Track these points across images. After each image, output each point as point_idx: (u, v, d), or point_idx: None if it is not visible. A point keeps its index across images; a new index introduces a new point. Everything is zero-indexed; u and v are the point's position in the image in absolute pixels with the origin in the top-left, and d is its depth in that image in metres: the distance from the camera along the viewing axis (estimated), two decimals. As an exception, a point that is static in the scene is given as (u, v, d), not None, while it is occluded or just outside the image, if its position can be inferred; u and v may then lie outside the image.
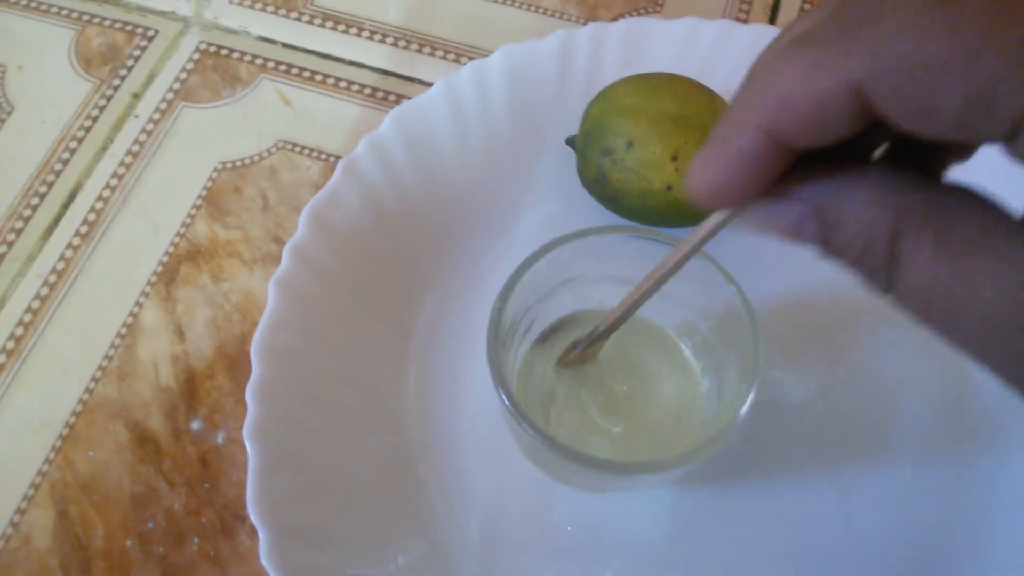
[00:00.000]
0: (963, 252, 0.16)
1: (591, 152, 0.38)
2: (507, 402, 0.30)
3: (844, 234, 0.18)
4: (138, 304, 0.42)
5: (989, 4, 0.15)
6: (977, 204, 0.17)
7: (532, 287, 0.33)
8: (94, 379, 0.40)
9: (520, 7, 0.50)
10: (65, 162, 0.46)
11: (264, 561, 0.32)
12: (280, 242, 0.43)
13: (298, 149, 0.46)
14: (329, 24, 0.50)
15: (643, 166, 0.36)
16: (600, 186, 0.38)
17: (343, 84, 0.48)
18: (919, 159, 0.20)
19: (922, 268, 0.16)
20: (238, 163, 0.45)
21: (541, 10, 0.50)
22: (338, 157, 0.45)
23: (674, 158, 0.36)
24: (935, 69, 0.15)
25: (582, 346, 0.33)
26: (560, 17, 0.50)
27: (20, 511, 0.37)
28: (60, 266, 0.43)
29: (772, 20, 0.49)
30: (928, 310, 0.17)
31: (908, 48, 0.15)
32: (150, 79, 0.48)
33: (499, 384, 0.30)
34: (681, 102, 0.37)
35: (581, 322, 0.37)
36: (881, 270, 0.17)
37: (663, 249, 0.33)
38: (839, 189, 0.18)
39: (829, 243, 0.18)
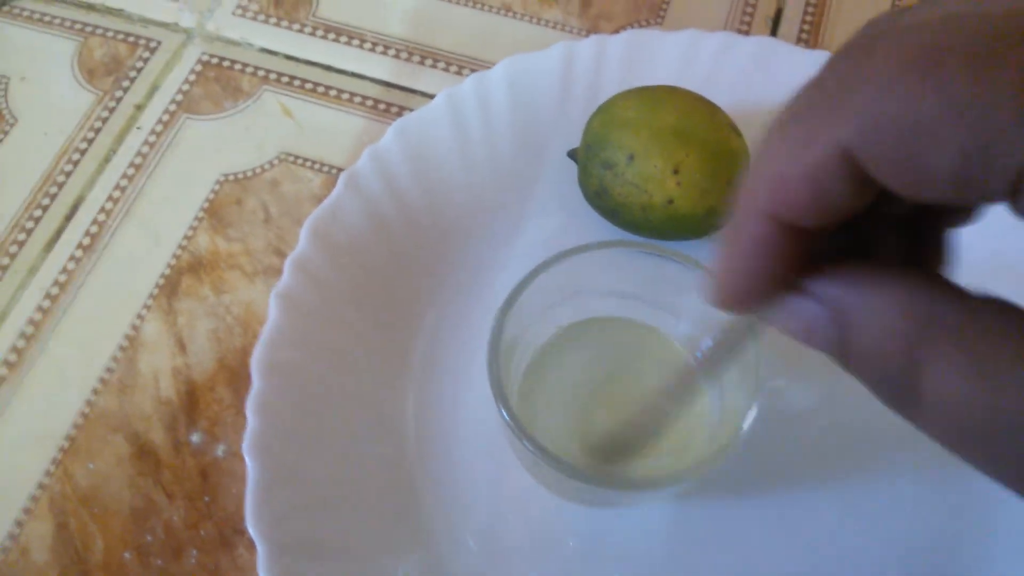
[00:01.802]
0: (1001, 366, 0.15)
1: (592, 165, 0.38)
2: (507, 417, 0.30)
3: (862, 341, 0.17)
4: (139, 316, 0.42)
5: (973, 54, 0.14)
6: (1010, 316, 0.15)
7: (533, 302, 0.33)
8: (95, 391, 0.40)
9: (522, 19, 0.50)
10: (68, 174, 0.46)
11: (262, 575, 0.32)
12: (282, 255, 0.43)
13: (300, 161, 0.46)
14: (331, 36, 0.50)
15: (644, 180, 0.36)
16: (601, 199, 0.38)
17: (345, 96, 0.48)
18: (927, 231, 0.19)
19: (951, 384, 0.15)
20: (240, 175, 0.45)
21: (543, 22, 0.50)
22: (340, 169, 0.45)
23: (675, 171, 0.36)
24: (925, 126, 0.14)
25: (604, 456, 0.32)
26: (562, 29, 0.50)
27: (19, 523, 0.37)
28: (62, 278, 0.43)
29: (774, 32, 0.49)
30: (956, 430, 0.16)
31: (894, 108, 0.14)
32: (152, 91, 0.48)
33: (499, 399, 0.30)
34: (682, 115, 0.37)
35: (582, 333, 0.37)
36: (900, 385, 0.16)
37: (664, 264, 0.33)
38: (859, 289, 0.17)
39: (846, 351, 0.17)
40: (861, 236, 0.19)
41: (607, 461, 0.32)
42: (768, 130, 0.17)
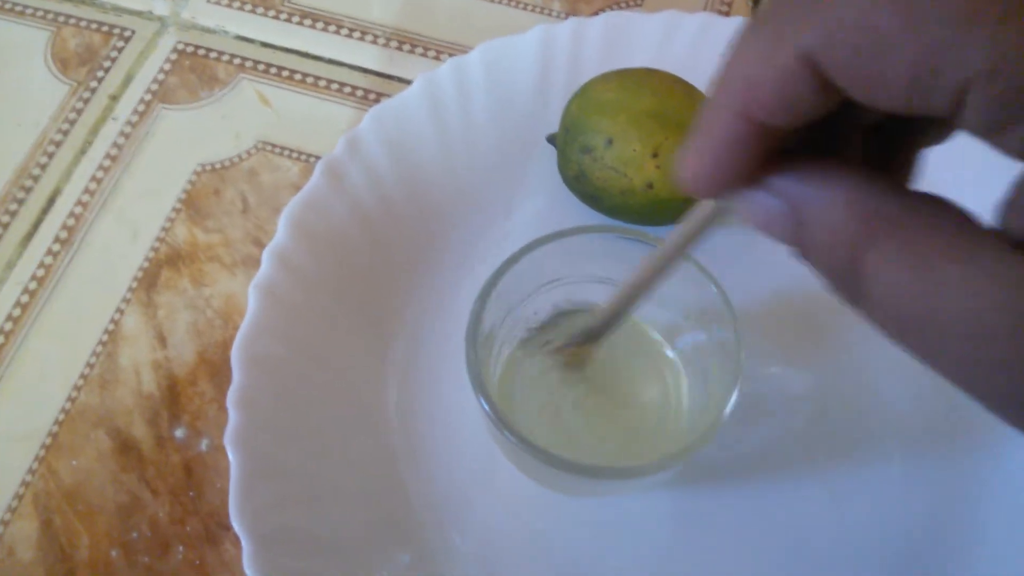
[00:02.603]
0: (933, 261, 0.16)
1: (571, 150, 0.38)
2: (487, 407, 0.30)
3: (813, 235, 0.18)
4: (119, 310, 0.41)
5: None
6: (949, 214, 0.16)
7: (512, 289, 0.33)
8: (76, 387, 0.40)
9: (502, 3, 0.50)
10: (43, 167, 0.45)
11: (247, 569, 0.32)
12: (261, 245, 0.42)
13: (278, 150, 0.45)
14: (308, 22, 0.49)
15: (623, 163, 0.36)
16: (581, 184, 0.38)
17: (323, 83, 0.47)
18: (897, 144, 0.20)
19: (890, 277, 0.16)
20: (217, 165, 0.45)
21: (523, 6, 0.50)
22: (318, 158, 0.44)
23: (654, 155, 0.36)
24: (882, 37, 0.15)
25: (572, 344, 0.32)
26: (543, 12, 0.50)
27: (3, 522, 0.37)
28: (40, 273, 0.42)
29: (754, 12, 0.49)
30: (897, 322, 0.16)
31: (855, 16, 0.15)
32: (128, 80, 0.48)
33: (478, 389, 0.30)
34: (661, 98, 0.37)
35: (565, 322, 0.36)
36: (847, 278, 0.17)
37: (645, 249, 0.32)
38: (812, 185, 0.18)
39: (800, 244, 0.18)
40: (831, 139, 0.19)
41: (578, 350, 0.32)
42: (740, 31, 0.18)
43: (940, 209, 0.16)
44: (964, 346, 0.15)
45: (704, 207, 0.22)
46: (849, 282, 0.17)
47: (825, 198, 0.17)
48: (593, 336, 0.31)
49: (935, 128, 0.20)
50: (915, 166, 0.21)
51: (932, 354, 0.16)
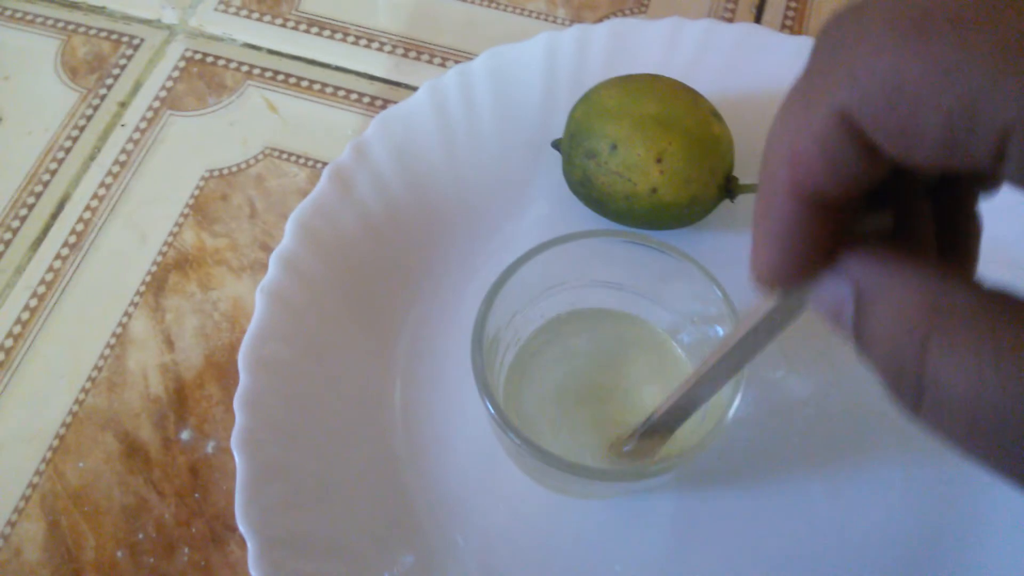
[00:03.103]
0: (1006, 356, 0.14)
1: (576, 155, 0.38)
2: (492, 410, 0.30)
3: (874, 321, 0.17)
4: (127, 314, 0.42)
5: (958, 17, 0.14)
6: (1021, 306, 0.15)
7: (518, 293, 0.33)
8: (84, 390, 0.40)
9: (507, 11, 0.50)
10: (53, 173, 0.46)
11: (252, 571, 0.32)
12: (268, 250, 0.42)
13: (285, 156, 0.46)
14: (315, 30, 0.50)
15: (627, 168, 0.36)
16: (585, 189, 0.38)
17: (329, 90, 0.48)
18: (956, 200, 0.19)
19: (956, 373, 0.15)
20: (225, 171, 0.45)
21: (528, 13, 0.50)
22: (325, 163, 0.45)
23: (659, 160, 0.36)
24: (912, 87, 0.14)
25: (638, 437, 0.31)
26: (547, 19, 0.50)
27: (10, 523, 0.37)
28: (49, 277, 0.43)
29: (758, 19, 0.49)
30: (961, 425, 0.15)
31: (884, 68, 0.15)
32: (136, 88, 0.48)
33: (484, 392, 0.30)
34: (665, 103, 0.37)
35: (569, 325, 0.37)
36: (908, 376, 0.16)
37: (649, 253, 0.33)
38: (880, 264, 0.17)
39: (860, 332, 0.17)
40: (897, 213, 0.19)
41: (640, 449, 0.31)
42: (779, 107, 0.17)
43: (1010, 303, 0.15)
44: None
45: (774, 297, 0.21)
46: (909, 381, 0.16)
47: (891, 279, 0.17)
48: (656, 430, 0.30)
49: (982, 181, 0.19)
50: (978, 220, 0.19)
51: (995, 456, 0.15)
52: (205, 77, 0.49)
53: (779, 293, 0.20)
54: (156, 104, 0.48)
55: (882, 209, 0.18)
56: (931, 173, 0.17)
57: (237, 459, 0.34)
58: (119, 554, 0.37)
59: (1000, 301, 0.15)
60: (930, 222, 0.19)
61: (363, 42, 0.49)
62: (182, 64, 0.49)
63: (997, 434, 0.14)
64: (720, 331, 0.32)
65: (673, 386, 0.35)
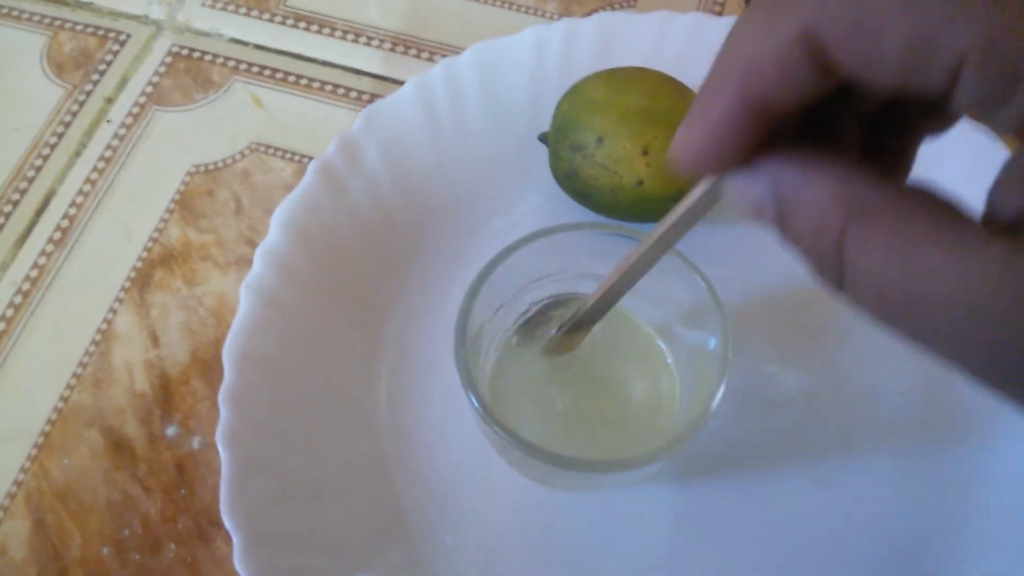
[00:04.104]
0: (917, 247, 0.16)
1: (562, 148, 0.38)
2: (475, 403, 0.30)
3: (796, 220, 0.18)
4: (112, 310, 0.41)
5: None
6: (935, 202, 0.16)
7: (502, 285, 0.33)
8: (69, 386, 0.40)
9: (496, 5, 0.50)
10: (38, 169, 0.46)
11: (238, 566, 0.32)
12: (254, 245, 0.42)
13: (271, 151, 0.45)
14: (302, 25, 0.50)
15: (613, 161, 0.36)
16: (572, 182, 0.38)
17: (316, 85, 0.48)
18: (894, 135, 0.20)
19: (871, 263, 0.16)
20: (211, 166, 0.45)
21: (518, 8, 0.50)
22: (311, 158, 0.45)
23: (645, 152, 0.36)
24: (878, 13, 0.15)
25: (562, 331, 0.32)
26: (537, 14, 0.50)
27: (-5, 521, 0.37)
28: (34, 274, 0.43)
29: (746, 12, 0.49)
30: (880, 306, 0.17)
31: None
32: (123, 83, 0.48)
33: (467, 385, 0.30)
34: (651, 96, 0.37)
35: (555, 311, 0.36)
36: (829, 263, 0.17)
37: (634, 246, 0.32)
38: (799, 169, 0.18)
39: (784, 228, 0.18)
40: (829, 132, 0.20)
41: (569, 337, 0.32)
42: (741, 12, 0.18)
43: (925, 198, 0.16)
44: (953, 328, 0.15)
45: (694, 193, 0.22)
46: (831, 268, 0.17)
47: (810, 183, 0.18)
48: (581, 324, 0.31)
49: (931, 117, 0.20)
50: (911, 160, 0.21)
51: (919, 336, 0.16)
52: (192, 72, 0.48)
53: (702, 183, 0.21)
54: (142, 100, 0.47)
55: (814, 130, 0.19)
56: (882, 95, 0.18)
57: (222, 455, 0.34)
58: (105, 551, 0.36)
59: (912, 196, 0.16)
60: (856, 144, 0.20)
61: (351, 37, 0.49)
62: (169, 60, 0.49)
63: (909, 316, 0.16)
64: (705, 323, 0.32)
65: (658, 378, 0.35)
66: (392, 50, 0.49)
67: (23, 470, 0.38)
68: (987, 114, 0.15)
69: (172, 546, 0.36)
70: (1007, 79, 0.14)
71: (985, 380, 0.16)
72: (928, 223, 0.16)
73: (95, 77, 0.48)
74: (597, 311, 0.30)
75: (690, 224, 0.23)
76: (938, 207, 0.16)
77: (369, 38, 0.49)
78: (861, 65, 0.16)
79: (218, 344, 0.40)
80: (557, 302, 0.35)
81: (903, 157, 0.21)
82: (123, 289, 0.42)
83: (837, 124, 0.20)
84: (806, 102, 0.18)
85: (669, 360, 0.35)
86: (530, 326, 0.35)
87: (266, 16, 0.50)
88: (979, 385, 0.16)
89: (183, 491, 0.37)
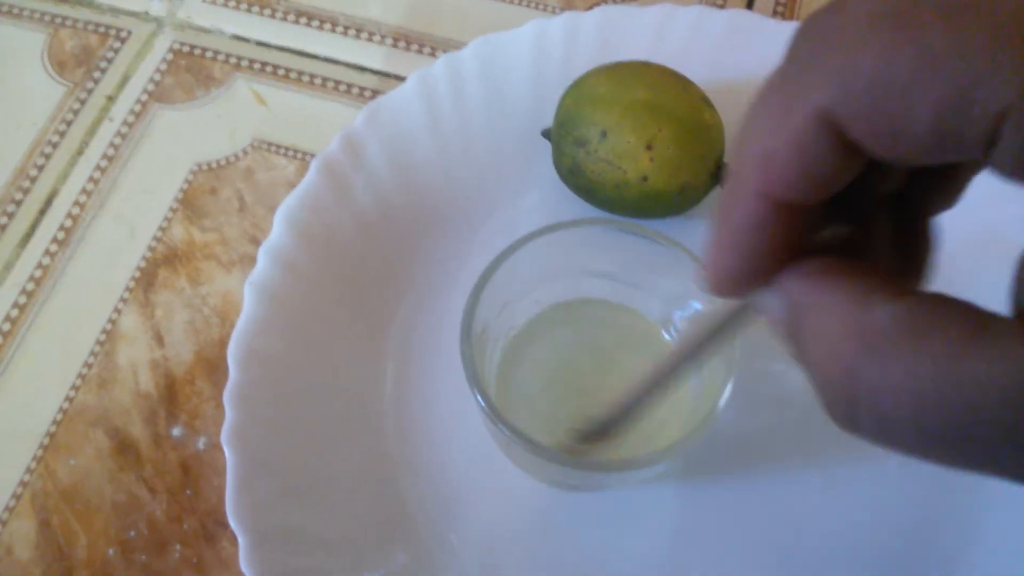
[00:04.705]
0: (953, 361, 0.14)
1: (565, 143, 0.37)
2: (481, 401, 0.30)
3: (805, 342, 0.17)
4: (116, 310, 0.41)
5: (946, 4, 0.14)
6: (956, 309, 0.15)
7: (508, 283, 0.33)
8: (74, 387, 0.40)
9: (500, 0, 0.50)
10: (40, 168, 0.45)
11: (244, 567, 0.32)
12: (258, 243, 0.42)
13: (274, 148, 0.45)
14: (303, 21, 0.49)
15: (617, 156, 0.36)
16: (575, 177, 0.38)
17: (318, 81, 0.47)
18: (913, 214, 0.19)
19: (892, 389, 0.15)
20: (213, 164, 0.45)
21: (518, 1, 0.50)
22: (314, 155, 0.44)
23: (648, 147, 0.36)
24: (901, 80, 0.14)
25: (584, 441, 0.30)
26: (540, 8, 0.50)
27: (1, 522, 0.37)
28: (38, 273, 0.42)
29: (750, 5, 0.48)
30: (919, 435, 0.15)
31: (869, 64, 0.14)
32: (124, 81, 0.48)
33: (473, 383, 0.30)
34: (654, 90, 0.36)
35: (560, 315, 0.36)
36: (839, 396, 0.16)
37: (639, 241, 0.32)
38: (812, 284, 0.17)
39: (796, 349, 0.17)
40: (853, 221, 0.18)
41: (586, 445, 0.31)
42: (751, 104, 0.17)
43: (949, 307, 0.15)
44: (1010, 436, 0.14)
45: (726, 309, 0.21)
46: (840, 403, 0.16)
47: (818, 304, 0.16)
48: (604, 432, 0.29)
49: (939, 191, 0.19)
50: (934, 235, 0.19)
51: (969, 454, 0.15)
52: (193, 70, 0.48)
53: (732, 301, 0.20)
54: (144, 97, 0.47)
55: (839, 220, 0.18)
56: (906, 168, 0.17)
57: (228, 454, 0.34)
58: (111, 552, 0.36)
59: (924, 309, 0.15)
60: (886, 232, 0.19)
61: (352, 33, 0.49)
62: (170, 57, 0.49)
63: (943, 435, 0.14)
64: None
65: (670, 381, 0.35)
66: (394, 46, 0.48)
67: (28, 470, 0.38)
68: None
69: (178, 547, 0.36)
70: None
71: None
72: (960, 332, 0.14)
73: (96, 75, 0.48)
74: (617, 425, 0.28)
75: (720, 338, 0.22)
76: (965, 312, 0.15)
77: (371, 34, 0.49)
78: (887, 139, 0.15)
79: (223, 343, 0.40)
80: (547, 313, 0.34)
81: (922, 241, 0.19)
82: (127, 289, 0.42)
83: (865, 221, 0.19)
84: (831, 191, 0.16)
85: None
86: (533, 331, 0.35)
87: (267, 12, 0.50)
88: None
89: (189, 491, 0.37)
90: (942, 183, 0.19)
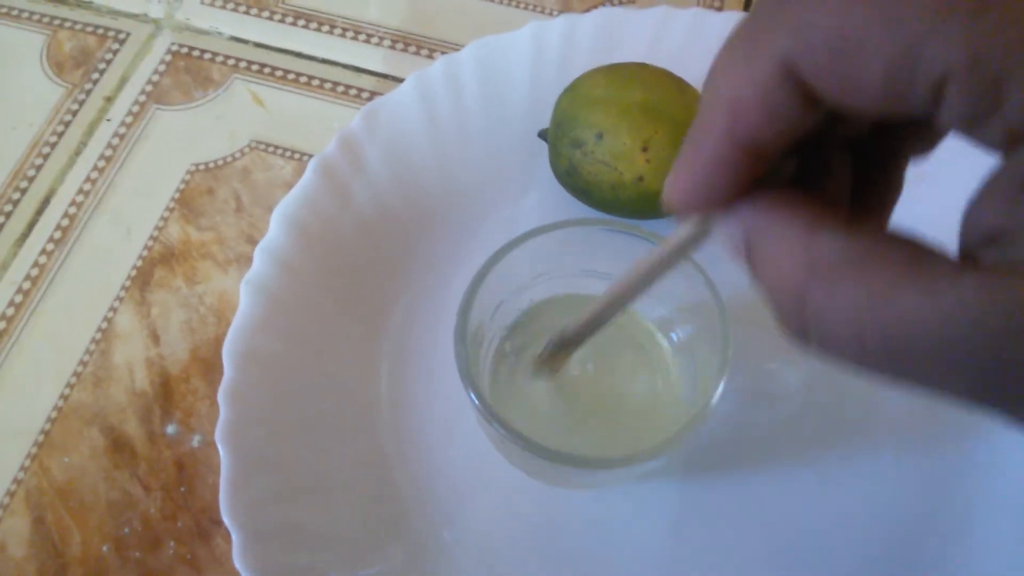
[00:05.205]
0: (890, 294, 0.15)
1: (562, 144, 0.38)
2: (475, 400, 0.30)
3: (759, 266, 0.18)
4: (112, 309, 0.41)
5: None
6: (904, 247, 0.16)
7: (503, 282, 0.33)
8: (69, 385, 0.40)
9: (496, 1, 0.50)
10: (38, 168, 0.45)
11: (238, 564, 0.32)
12: (254, 243, 0.42)
13: (271, 149, 0.45)
14: (301, 23, 0.50)
15: (613, 157, 0.36)
16: (572, 178, 0.38)
17: (316, 83, 0.47)
18: (883, 162, 0.20)
19: (843, 316, 0.16)
20: (211, 164, 0.45)
21: (518, 4, 0.50)
22: (311, 156, 0.45)
23: (644, 148, 0.36)
24: (856, 36, 0.15)
25: (549, 349, 0.31)
26: (537, 10, 0.50)
27: (-4, 520, 0.37)
28: (34, 272, 0.43)
29: (746, 8, 0.49)
30: (861, 356, 0.16)
31: (828, 17, 0.15)
32: (122, 82, 0.48)
33: (467, 382, 0.30)
34: (650, 92, 0.37)
35: (553, 311, 0.36)
36: (792, 316, 0.17)
37: (635, 242, 0.32)
38: (767, 213, 0.18)
39: (753, 273, 0.18)
40: (816, 162, 0.19)
41: (554, 357, 0.31)
42: (719, 50, 0.18)
43: (893, 243, 0.16)
44: (939, 364, 0.15)
45: (684, 229, 0.22)
46: (792, 319, 0.17)
47: (772, 231, 0.18)
48: (569, 343, 0.30)
49: (914, 138, 0.20)
50: (898, 186, 0.21)
51: (903, 376, 0.16)
52: (191, 71, 0.48)
53: (692, 221, 0.21)
54: (142, 98, 0.47)
55: (791, 156, 0.19)
56: (867, 120, 0.18)
57: (221, 452, 0.34)
58: (105, 549, 0.36)
59: (880, 243, 0.16)
60: (845, 174, 0.20)
61: (351, 35, 0.49)
62: (168, 58, 0.49)
63: (885, 354, 0.16)
64: (706, 320, 0.32)
65: (659, 375, 0.35)
66: (392, 47, 0.49)
67: (23, 468, 0.38)
68: (973, 129, 0.15)
69: (172, 544, 0.36)
70: (992, 92, 0.14)
71: (977, 404, 0.16)
72: (898, 268, 0.16)
73: (95, 76, 0.48)
74: (581, 335, 0.29)
75: (680, 257, 0.23)
76: (907, 249, 0.16)
77: (369, 36, 0.49)
78: (843, 92, 0.16)
79: (218, 342, 0.40)
80: (538, 311, 0.35)
81: (890, 184, 0.21)
82: (123, 288, 0.42)
83: (827, 155, 0.20)
84: (794, 135, 0.17)
85: (670, 356, 0.35)
86: (512, 339, 0.35)
87: (266, 14, 0.50)
88: (967, 407, 0.16)
89: (183, 489, 0.37)
90: (915, 131, 0.20)
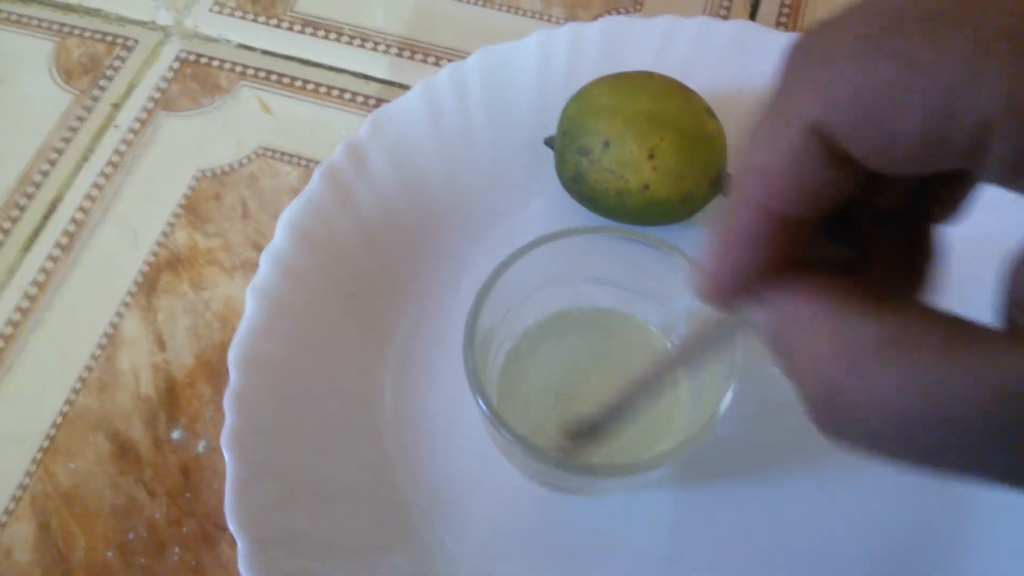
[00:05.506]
0: (934, 372, 0.14)
1: (568, 152, 0.38)
2: (483, 406, 0.30)
3: (789, 358, 0.17)
4: (118, 314, 0.41)
5: (929, 16, 0.14)
6: (938, 319, 0.15)
7: (511, 289, 0.33)
8: (75, 390, 0.40)
9: (502, 10, 0.50)
10: (45, 174, 0.46)
11: (243, 570, 0.32)
12: (260, 249, 0.42)
13: (278, 156, 0.46)
14: (309, 30, 0.50)
15: (620, 165, 0.36)
16: (578, 186, 0.38)
17: (323, 90, 0.48)
18: (916, 226, 0.19)
19: (884, 399, 0.15)
20: (218, 171, 0.45)
21: (524, 12, 0.50)
22: (318, 163, 0.45)
23: (651, 156, 0.36)
24: (888, 90, 0.14)
25: (572, 442, 0.30)
26: (544, 19, 0.50)
27: (1, 524, 0.37)
28: (40, 278, 0.43)
29: (753, 16, 0.49)
30: (904, 443, 0.15)
31: (857, 76, 0.15)
32: (130, 89, 0.48)
33: (475, 388, 0.30)
34: (657, 100, 0.37)
35: (562, 322, 0.36)
36: (824, 416, 0.16)
37: (642, 249, 0.32)
38: (790, 302, 0.17)
39: (783, 370, 0.17)
40: (854, 237, 0.19)
41: (578, 445, 0.31)
42: (752, 128, 0.17)
43: (930, 319, 0.15)
44: (987, 446, 0.14)
45: (718, 318, 0.21)
46: (825, 419, 0.16)
47: (803, 324, 0.17)
48: (591, 436, 0.29)
49: (942, 200, 0.19)
50: (937, 246, 0.19)
51: (949, 461, 0.15)
52: (199, 78, 0.48)
53: (724, 311, 0.20)
54: (150, 105, 0.48)
55: (841, 240, 0.18)
56: (903, 178, 0.17)
57: (227, 458, 0.34)
58: (110, 554, 0.36)
59: (907, 323, 0.15)
60: (885, 245, 0.19)
61: (357, 42, 0.49)
62: (176, 65, 0.49)
63: (929, 445, 0.15)
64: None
65: (661, 385, 0.35)
66: (399, 55, 0.49)
67: (28, 473, 0.38)
68: (1018, 178, 0.14)
69: (177, 550, 0.36)
70: None
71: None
72: (939, 346, 0.14)
73: (103, 83, 0.49)
74: (608, 425, 0.28)
75: (713, 346, 0.22)
76: (945, 324, 0.15)
77: (376, 43, 0.49)
78: (878, 150, 0.15)
79: (224, 348, 0.40)
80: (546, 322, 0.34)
81: (922, 252, 0.19)
82: (130, 293, 0.42)
83: (862, 231, 0.19)
84: (828, 205, 0.17)
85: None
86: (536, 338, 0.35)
87: (273, 22, 0.50)
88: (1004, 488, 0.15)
89: (188, 495, 0.37)
90: (944, 194, 0.19)
